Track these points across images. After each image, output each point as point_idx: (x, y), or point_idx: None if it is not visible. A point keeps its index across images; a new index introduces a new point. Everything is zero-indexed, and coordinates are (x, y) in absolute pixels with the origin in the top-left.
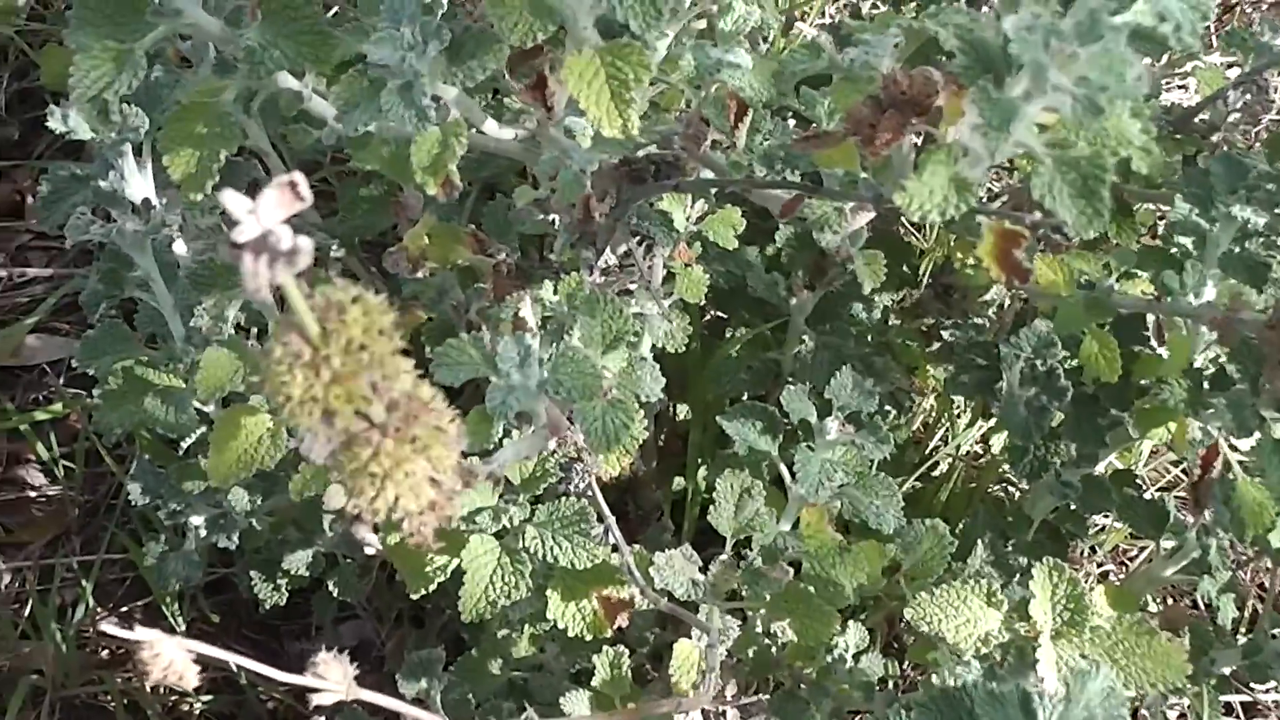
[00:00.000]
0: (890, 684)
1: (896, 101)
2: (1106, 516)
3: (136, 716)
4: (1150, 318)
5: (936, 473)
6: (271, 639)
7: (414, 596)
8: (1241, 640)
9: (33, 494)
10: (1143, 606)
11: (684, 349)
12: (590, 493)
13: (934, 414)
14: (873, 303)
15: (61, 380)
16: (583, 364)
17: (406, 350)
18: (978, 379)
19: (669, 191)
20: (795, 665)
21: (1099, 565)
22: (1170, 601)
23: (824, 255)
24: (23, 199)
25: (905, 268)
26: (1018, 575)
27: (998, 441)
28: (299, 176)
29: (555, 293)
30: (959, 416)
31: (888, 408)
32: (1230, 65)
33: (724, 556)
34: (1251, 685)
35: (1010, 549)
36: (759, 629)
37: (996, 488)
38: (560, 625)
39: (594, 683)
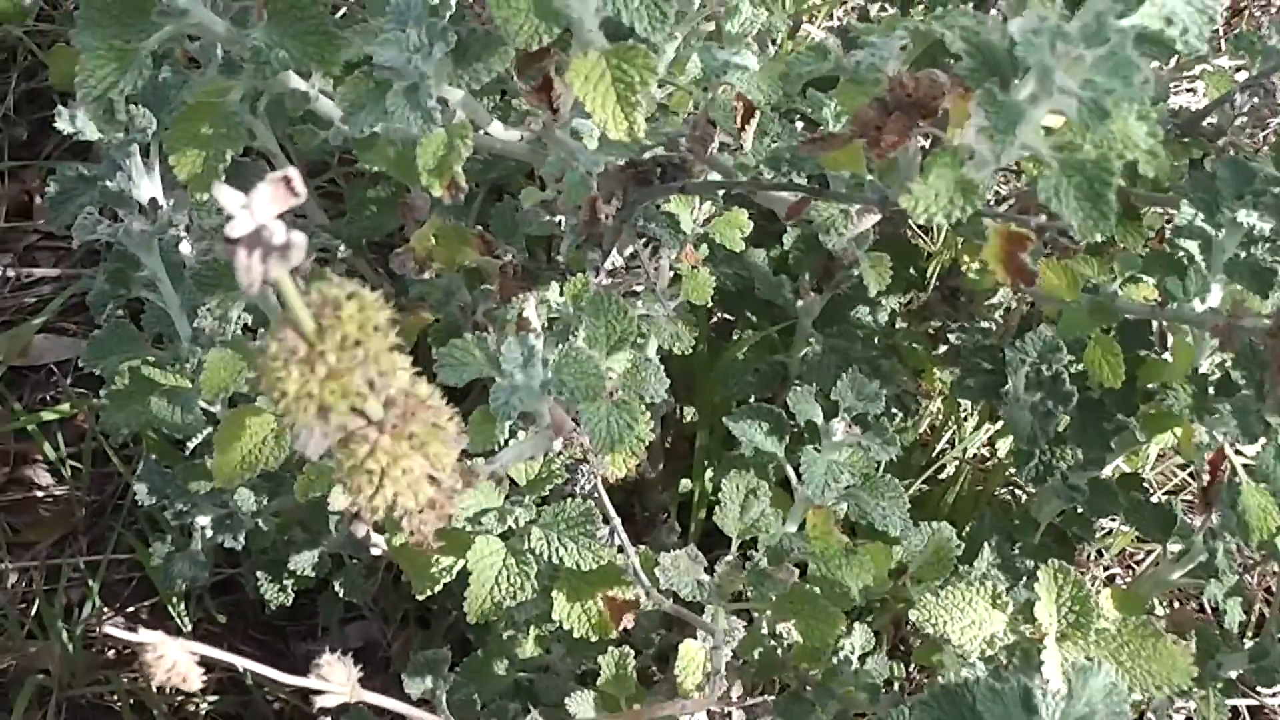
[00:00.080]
0: (896, 686)
1: (903, 104)
2: (1113, 520)
3: (142, 716)
4: (1154, 324)
5: (943, 475)
6: (278, 639)
7: (420, 597)
8: (1248, 644)
9: (40, 494)
10: (1149, 610)
11: (690, 351)
12: (596, 494)
13: (941, 417)
14: (880, 305)
15: (68, 380)
16: (586, 365)
17: (404, 348)
18: (983, 383)
19: (675, 193)
20: (800, 667)
21: (1105, 569)
22: (1177, 605)
23: (831, 258)
24: (31, 199)
25: (912, 270)
26: (1024, 578)
27: (1004, 445)
28: (293, 172)
29: (561, 294)
30: (966, 419)
31: (894, 410)
32: (1239, 68)
33: (729, 557)
34: (1258, 689)
35: (1017, 552)
36: (764, 630)
37: (1003, 491)
38: (565, 626)
39: (599, 683)
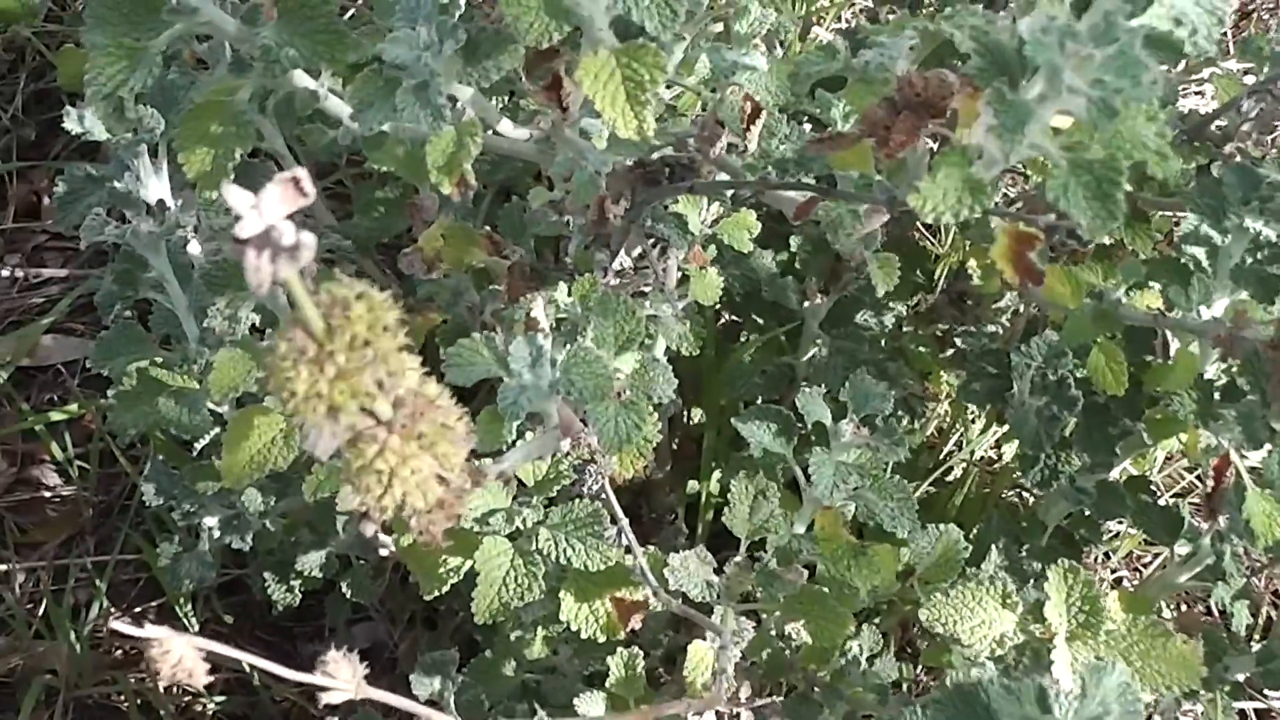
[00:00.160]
0: (904, 687)
1: (912, 103)
2: (1120, 522)
3: (149, 717)
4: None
5: (950, 478)
6: (284, 640)
7: (427, 598)
8: (1255, 647)
9: (47, 494)
10: (1156, 613)
11: (698, 352)
12: (604, 495)
13: (948, 419)
14: (887, 308)
15: (76, 381)
16: (595, 365)
17: (413, 348)
18: (989, 387)
19: (684, 194)
20: (808, 668)
21: (1113, 571)
22: (1184, 608)
23: (839, 260)
24: (39, 199)
25: (920, 273)
26: (1031, 580)
27: (1011, 448)
28: (302, 172)
29: (569, 294)
30: (973, 422)
31: (900, 413)
32: (1247, 72)
33: (739, 558)
34: (1265, 692)
35: (1024, 554)
36: (772, 631)
37: (1010, 493)
38: (573, 627)
39: (609, 684)
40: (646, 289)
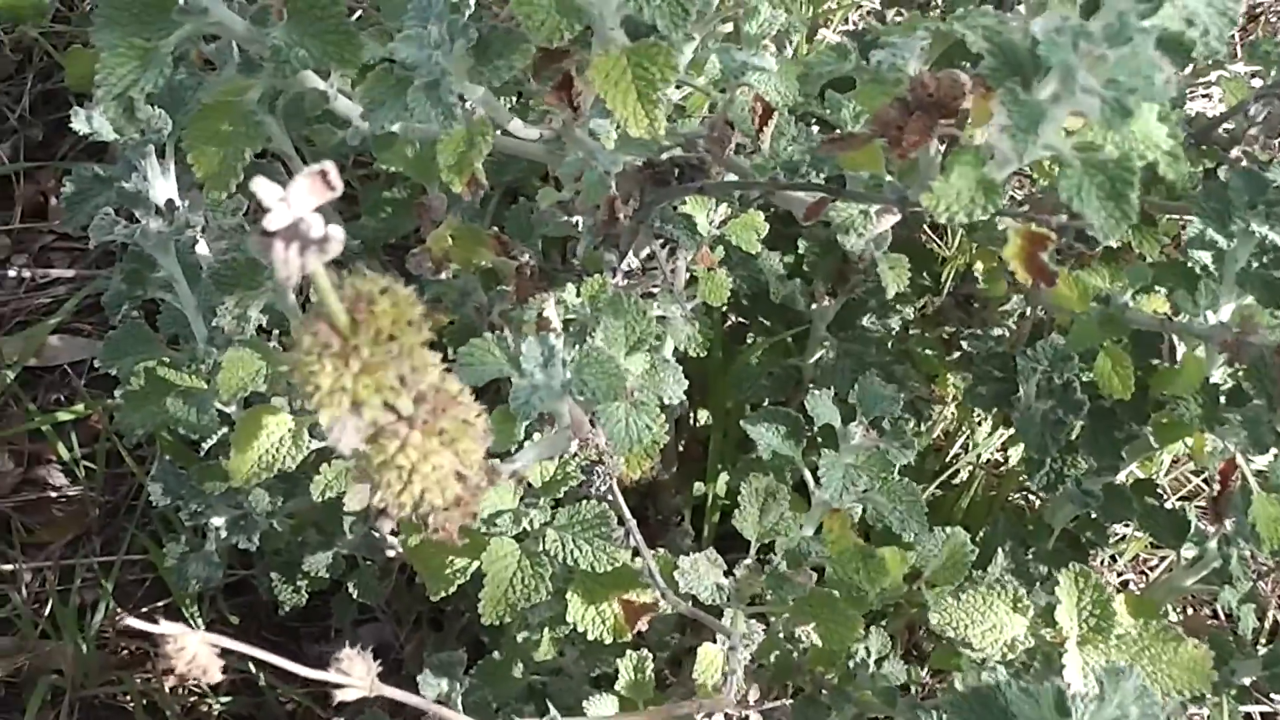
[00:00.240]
0: (911, 690)
1: (924, 104)
2: (1127, 525)
3: (155, 717)
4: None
5: (957, 481)
6: (290, 641)
7: (434, 599)
8: (1261, 650)
9: (54, 494)
10: (1163, 616)
11: (705, 354)
12: (611, 496)
13: (954, 422)
14: (894, 310)
15: (83, 381)
16: (607, 365)
17: (436, 343)
18: (995, 390)
19: (693, 194)
20: (817, 670)
21: (1119, 574)
22: (1190, 611)
23: (846, 262)
24: (46, 200)
25: (926, 276)
26: (1038, 583)
27: (1017, 451)
28: (330, 165)
29: (578, 295)
30: (979, 425)
31: (907, 416)
32: (1254, 75)
33: (749, 561)
34: (1271, 696)
35: (1030, 557)
36: (781, 634)
37: (1017, 496)
38: (580, 629)
39: (618, 686)
40: (655, 290)
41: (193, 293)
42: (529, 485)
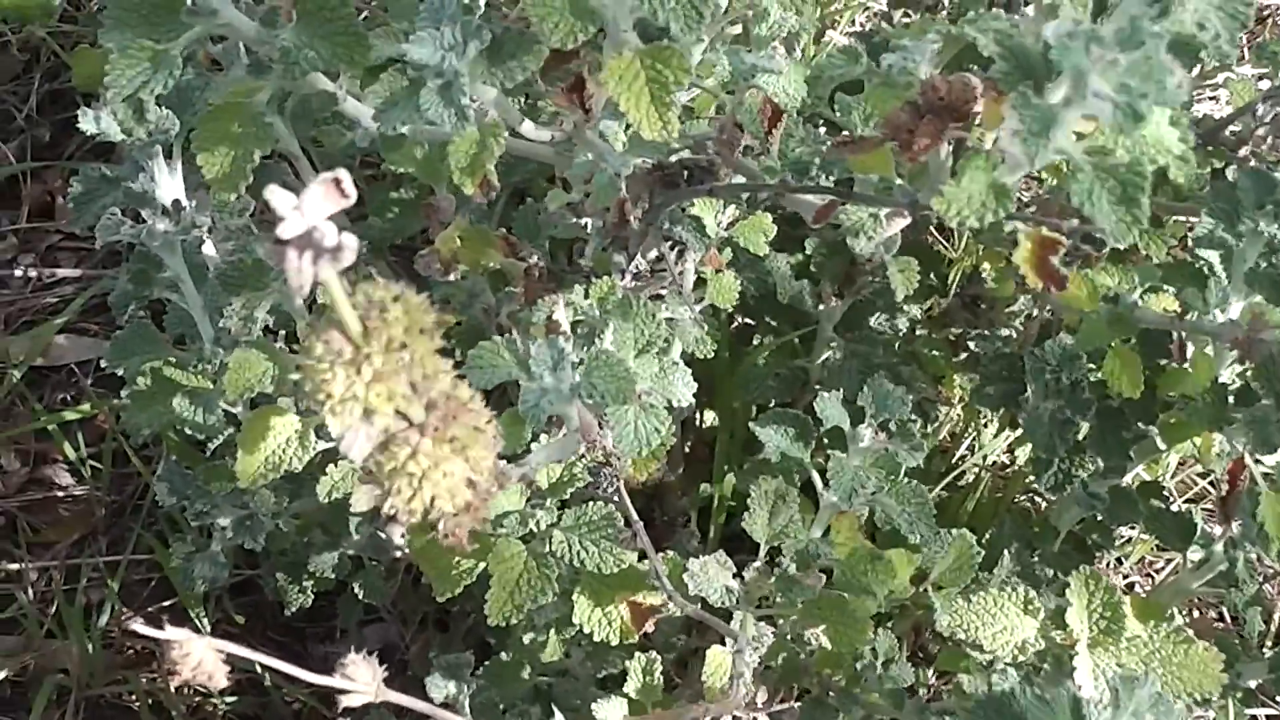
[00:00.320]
0: (918, 692)
1: (935, 107)
2: (1133, 528)
3: (161, 717)
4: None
5: (963, 482)
6: (296, 641)
7: (440, 600)
8: (1268, 653)
9: (60, 494)
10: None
11: (712, 355)
12: (618, 497)
13: (961, 424)
14: (901, 312)
15: (89, 381)
16: (616, 367)
17: (448, 350)
18: (1002, 391)
19: (701, 196)
20: (824, 673)
21: (1125, 577)
22: (1196, 614)
23: (853, 263)
24: (53, 200)
25: (933, 277)
26: (1044, 586)
27: (1024, 452)
28: (343, 173)
29: (587, 297)
30: (986, 426)
31: (914, 417)
32: (1262, 77)
33: (758, 563)
34: (1277, 699)
35: (1036, 559)
36: (789, 636)
37: (1023, 498)
38: (587, 630)
39: (627, 689)
40: (663, 292)
41: (199, 293)
42: (535, 487)
